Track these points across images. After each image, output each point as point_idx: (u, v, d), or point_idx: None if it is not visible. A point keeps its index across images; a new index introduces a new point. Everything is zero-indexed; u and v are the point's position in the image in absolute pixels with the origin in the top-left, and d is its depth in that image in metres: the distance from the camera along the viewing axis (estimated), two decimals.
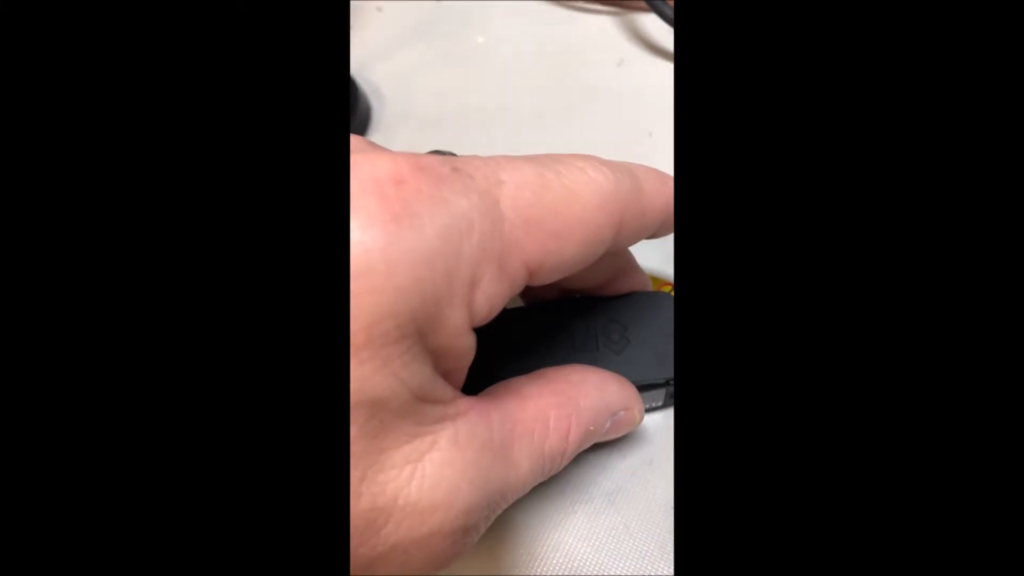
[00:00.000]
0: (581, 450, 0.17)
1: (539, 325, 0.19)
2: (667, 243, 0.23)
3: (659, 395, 0.20)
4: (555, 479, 0.18)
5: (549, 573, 0.19)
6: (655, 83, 0.31)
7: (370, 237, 0.11)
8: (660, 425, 0.21)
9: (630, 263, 0.20)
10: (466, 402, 0.14)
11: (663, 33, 0.32)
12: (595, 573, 0.19)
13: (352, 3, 0.36)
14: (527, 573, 0.19)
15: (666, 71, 0.31)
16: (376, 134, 0.31)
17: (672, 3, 0.30)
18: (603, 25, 0.34)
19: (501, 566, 0.19)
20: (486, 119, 0.31)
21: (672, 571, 0.18)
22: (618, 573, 0.19)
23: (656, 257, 0.23)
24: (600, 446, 0.19)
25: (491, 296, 0.13)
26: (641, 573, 0.19)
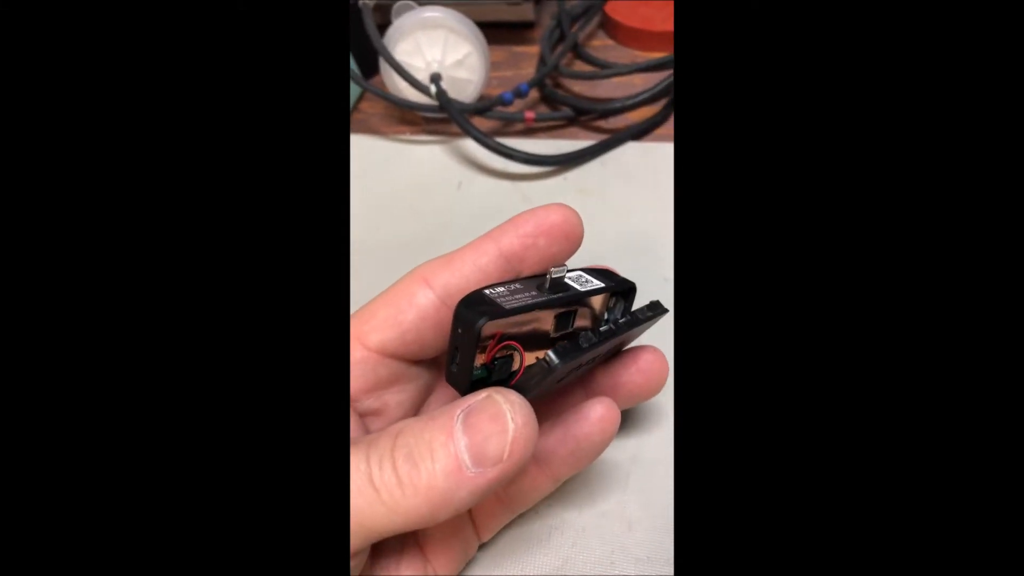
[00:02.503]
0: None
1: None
2: None
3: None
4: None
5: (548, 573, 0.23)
6: (490, 198, 0.38)
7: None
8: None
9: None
10: None
11: (486, 153, 0.40)
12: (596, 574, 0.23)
13: None
14: (527, 573, 0.23)
15: (494, 184, 0.39)
16: None
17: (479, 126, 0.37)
18: (436, 153, 0.41)
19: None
20: (352, 259, 0.36)
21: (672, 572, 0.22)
22: (619, 573, 0.22)
23: None
24: None
25: None
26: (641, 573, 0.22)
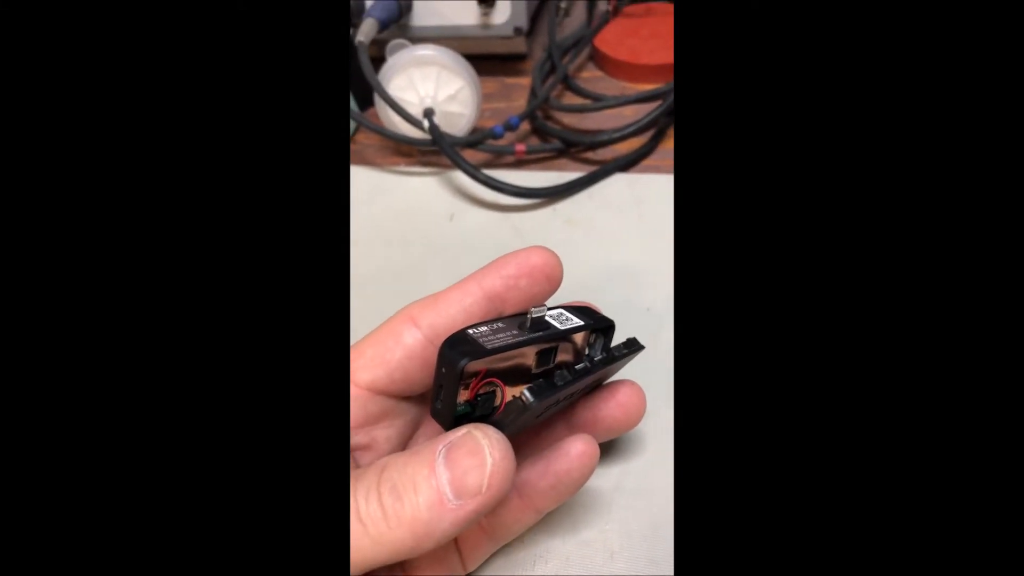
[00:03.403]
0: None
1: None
2: None
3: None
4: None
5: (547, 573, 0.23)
6: (482, 229, 0.39)
7: None
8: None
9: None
10: None
11: (474, 186, 0.41)
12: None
13: None
14: (526, 574, 0.23)
15: (485, 216, 0.40)
16: None
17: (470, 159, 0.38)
18: (430, 185, 0.42)
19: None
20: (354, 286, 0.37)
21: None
22: (619, 573, 0.23)
23: None
24: None
25: None
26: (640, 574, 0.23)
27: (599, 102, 0.43)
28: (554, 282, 0.22)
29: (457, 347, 0.20)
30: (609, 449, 0.28)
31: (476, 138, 0.41)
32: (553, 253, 0.22)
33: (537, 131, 0.45)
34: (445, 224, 0.40)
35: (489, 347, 0.20)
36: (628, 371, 0.26)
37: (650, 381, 0.27)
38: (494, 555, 0.25)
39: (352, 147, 0.46)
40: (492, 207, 0.40)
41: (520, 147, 0.41)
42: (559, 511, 0.26)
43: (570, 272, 0.24)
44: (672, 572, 0.25)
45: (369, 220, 0.40)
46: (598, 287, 0.35)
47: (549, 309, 0.24)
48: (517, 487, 0.23)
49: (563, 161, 0.43)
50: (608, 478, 0.28)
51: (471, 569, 0.24)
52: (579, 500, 0.27)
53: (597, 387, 0.25)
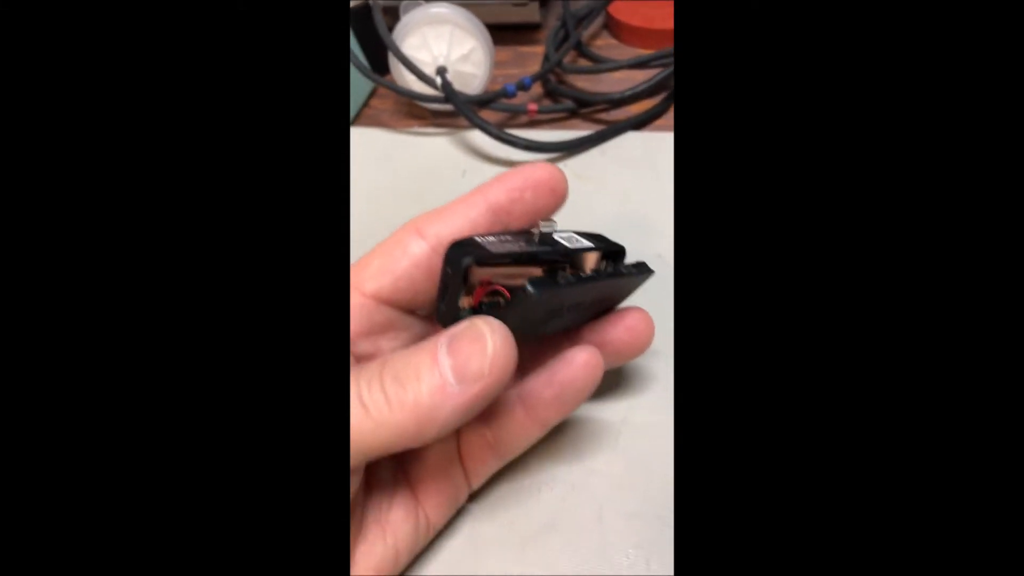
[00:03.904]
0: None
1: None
2: None
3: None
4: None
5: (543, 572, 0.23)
6: None
7: None
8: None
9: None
10: None
11: (490, 144, 0.41)
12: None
13: None
14: (526, 572, 0.23)
15: (497, 172, 0.40)
16: None
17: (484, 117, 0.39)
18: (442, 144, 0.43)
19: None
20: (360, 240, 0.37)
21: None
22: (619, 573, 0.22)
23: None
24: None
25: None
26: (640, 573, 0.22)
27: (605, 63, 0.43)
28: (559, 196, 0.22)
29: (462, 248, 0.20)
30: (618, 384, 0.28)
31: (489, 96, 0.41)
32: (558, 168, 0.22)
33: (549, 94, 0.45)
34: (458, 180, 0.40)
35: (494, 251, 0.20)
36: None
37: (659, 319, 0.27)
38: (499, 481, 0.25)
39: (367, 112, 0.46)
40: (504, 164, 0.40)
41: (532, 106, 0.41)
42: (566, 439, 0.26)
43: (581, 224, 0.24)
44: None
45: (383, 178, 0.41)
46: (608, 234, 0.34)
47: (560, 231, 0.24)
48: (522, 398, 0.23)
49: (575, 121, 0.43)
50: (616, 412, 0.27)
51: (476, 486, 0.24)
52: (587, 430, 0.27)
53: (606, 313, 0.25)
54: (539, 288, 0.19)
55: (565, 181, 0.22)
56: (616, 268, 0.23)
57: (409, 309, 0.22)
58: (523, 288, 0.19)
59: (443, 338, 0.18)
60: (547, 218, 0.23)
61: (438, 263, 0.21)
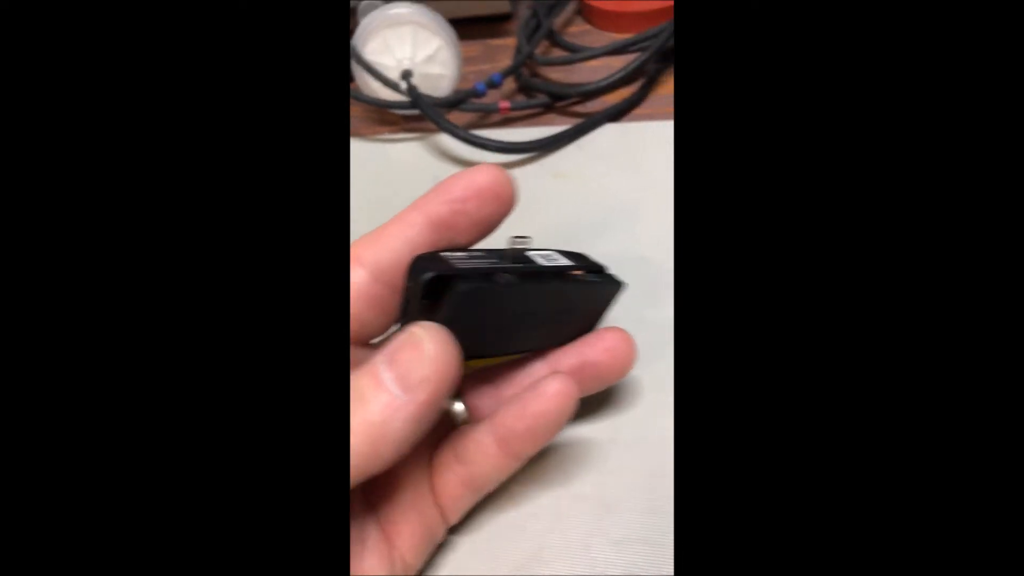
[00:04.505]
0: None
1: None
2: None
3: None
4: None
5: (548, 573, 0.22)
6: None
7: None
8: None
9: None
10: None
11: (463, 147, 0.39)
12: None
13: None
14: (527, 573, 0.22)
15: None
16: None
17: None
18: (414, 150, 0.41)
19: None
20: None
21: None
22: (618, 573, 0.22)
23: None
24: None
25: None
26: (639, 573, 0.22)
27: (580, 52, 0.41)
28: (505, 202, 0.21)
29: (425, 262, 0.19)
30: (605, 401, 0.27)
31: (458, 97, 0.39)
32: (502, 170, 0.21)
33: (523, 88, 0.43)
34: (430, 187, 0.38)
35: (458, 267, 0.19)
36: (620, 320, 0.24)
37: (646, 328, 0.25)
38: (484, 512, 0.24)
39: None
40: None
41: (504, 104, 0.40)
42: (551, 465, 0.25)
43: (563, 225, 0.23)
44: (672, 521, 0.23)
45: (355, 189, 0.39)
46: (589, 236, 0.33)
47: (536, 249, 0.22)
48: (494, 432, 0.21)
49: (551, 116, 0.41)
50: (603, 430, 0.26)
51: (454, 521, 0.23)
52: (572, 453, 0.25)
53: (584, 333, 0.24)
54: (468, 283, 0.18)
55: (511, 183, 0.21)
56: (565, 269, 0.22)
57: (360, 342, 0.21)
58: (454, 287, 0.18)
59: (381, 355, 0.17)
60: (521, 235, 0.21)
61: (380, 291, 0.20)
